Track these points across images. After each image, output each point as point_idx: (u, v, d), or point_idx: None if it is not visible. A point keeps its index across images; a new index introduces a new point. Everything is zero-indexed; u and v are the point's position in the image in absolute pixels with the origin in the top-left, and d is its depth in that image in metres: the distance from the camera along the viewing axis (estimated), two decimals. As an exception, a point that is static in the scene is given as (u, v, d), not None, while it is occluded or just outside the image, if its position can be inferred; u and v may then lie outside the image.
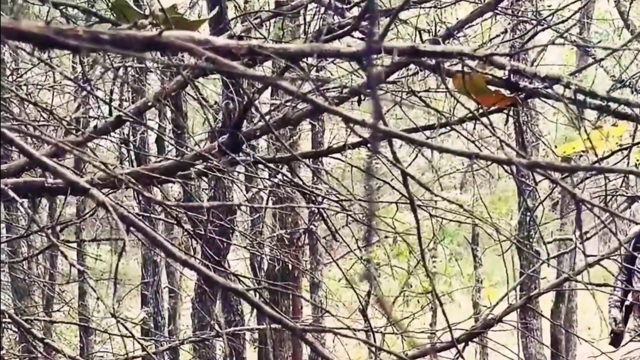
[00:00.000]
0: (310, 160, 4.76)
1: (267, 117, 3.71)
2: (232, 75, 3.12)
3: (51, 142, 2.49)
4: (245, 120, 3.63)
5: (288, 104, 3.48)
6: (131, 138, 7.80)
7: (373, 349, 5.40)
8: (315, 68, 3.88)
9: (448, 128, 3.90)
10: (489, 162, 4.39)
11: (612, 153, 4.37)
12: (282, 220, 10.09)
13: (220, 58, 1.75)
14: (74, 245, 9.48)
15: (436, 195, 3.20)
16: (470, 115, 3.75)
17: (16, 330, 8.88)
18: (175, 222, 4.40)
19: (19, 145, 1.97)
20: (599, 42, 10.15)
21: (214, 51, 1.78)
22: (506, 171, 4.62)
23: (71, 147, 2.03)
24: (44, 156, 2.03)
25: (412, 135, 1.99)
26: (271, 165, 3.68)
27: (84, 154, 2.38)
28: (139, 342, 3.41)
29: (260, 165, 5.22)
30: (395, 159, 2.15)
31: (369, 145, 4.14)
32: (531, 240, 10.44)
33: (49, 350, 9.79)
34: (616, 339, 7.16)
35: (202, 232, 5.00)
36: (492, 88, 3.77)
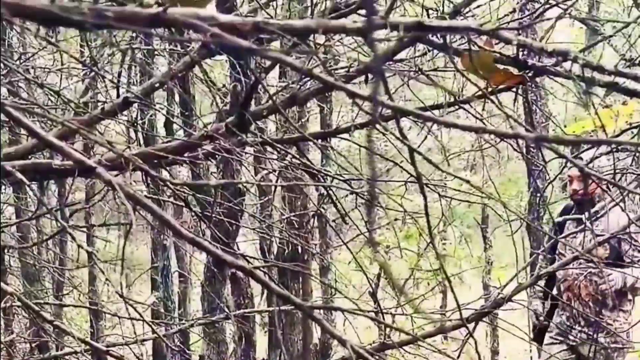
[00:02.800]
0: (319, 141, 4.75)
1: (275, 97, 3.69)
2: (238, 54, 3.11)
3: (58, 120, 2.48)
4: (252, 102, 3.62)
5: (295, 84, 3.47)
6: (139, 121, 7.78)
7: (383, 329, 5.40)
8: (322, 47, 3.86)
9: (456, 107, 3.88)
10: (498, 141, 4.38)
11: (622, 132, 4.35)
12: (291, 203, 10.08)
13: (225, 34, 1.74)
14: (84, 230, 9.49)
15: (444, 172, 3.18)
16: (479, 93, 3.73)
17: (26, 315, 8.90)
18: (183, 205, 4.40)
19: (26, 125, 1.97)
20: (608, 21, 10.09)
21: (218, 28, 1.77)
22: (515, 149, 4.60)
23: (78, 126, 2.02)
24: (50, 135, 2.02)
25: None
26: (279, 146, 3.67)
27: (91, 132, 2.37)
28: (149, 325, 3.41)
29: (268, 149, 5.22)
30: (402, 135, 2.14)
31: (377, 125, 4.13)
32: (541, 220, 10.41)
33: (59, 335, 9.82)
34: (539, 335, 6.87)
35: (211, 214, 5.00)
36: (500, 66, 3.76)
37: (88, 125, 2.83)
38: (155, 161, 3.37)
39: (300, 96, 3.21)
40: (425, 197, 2.08)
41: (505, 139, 3.97)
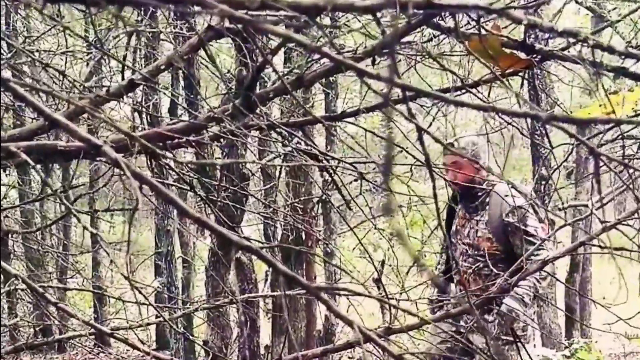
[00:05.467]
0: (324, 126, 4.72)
1: (279, 81, 3.67)
2: (244, 35, 3.09)
3: (64, 98, 2.47)
4: (257, 85, 3.60)
5: (301, 67, 3.45)
6: (144, 105, 7.77)
7: (388, 314, 5.39)
8: (329, 30, 3.84)
9: (463, 91, 3.86)
10: (504, 125, 4.36)
11: (630, 118, 4.33)
12: (295, 190, 10.06)
13: (232, 10, 1.72)
14: (88, 214, 9.48)
15: (453, 153, 3.17)
16: (486, 78, 3.72)
17: (30, 300, 8.91)
18: (189, 188, 4.39)
19: (32, 103, 1.96)
20: (614, 9, 10.06)
21: (226, 4, 1.75)
22: (522, 133, 4.57)
23: (84, 105, 2.01)
24: (56, 114, 2.01)
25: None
26: (286, 129, 3.65)
27: (96, 111, 2.35)
28: (154, 308, 3.40)
29: (273, 134, 5.20)
30: (411, 115, 2.11)
31: (383, 108, 4.11)
32: (546, 207, 10.38)
33: (62, 318, 9.81)
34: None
35: (216, 199, 4.98)
36: (508, 51, 3.74)
37: (94, 106, 2.82)
38: (161, 144, 3.35)
39: (307, 78, 3.19)
40: (433, 179, 2.06)
41: (512, 124, 3.95)
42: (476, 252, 6.09)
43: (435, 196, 2.15)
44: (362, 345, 1.91)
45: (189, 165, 5.15)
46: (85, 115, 3.82)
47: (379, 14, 1.94)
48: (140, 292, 3.26)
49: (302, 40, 1.73)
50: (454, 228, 6.33)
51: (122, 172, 1.96)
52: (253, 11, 1.80)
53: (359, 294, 2.24)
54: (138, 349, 3.28)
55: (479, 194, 6.02)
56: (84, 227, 2.70)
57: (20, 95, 1.94)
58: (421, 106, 4.68)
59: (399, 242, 1.47)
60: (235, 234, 4.47)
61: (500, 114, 4.51)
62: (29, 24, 8.16)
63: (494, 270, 5.57)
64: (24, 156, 2.57)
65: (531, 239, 5.85)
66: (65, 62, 5.05)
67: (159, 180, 4.69)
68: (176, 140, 3.20)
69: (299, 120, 3.84)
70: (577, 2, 7.06)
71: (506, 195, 5.92)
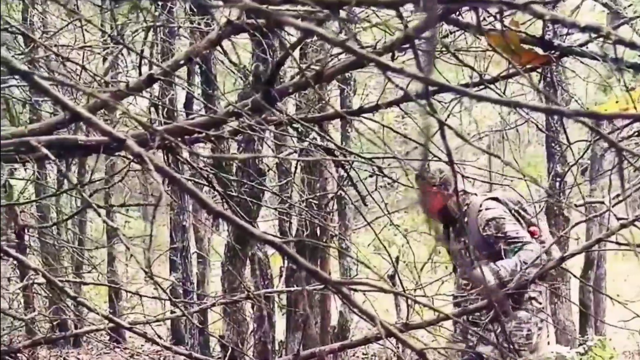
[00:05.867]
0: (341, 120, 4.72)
1: (298, 76, 3.67)
2: (263, 29, 3.09)
3: (86, 91, 2.47)
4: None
5: (319, 62, 3.45)
6: (160, 100, 7.79)
7: (404, 309, 5.38)
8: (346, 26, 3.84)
9: (482, 87, 3.85)
10: (520, 123, 4.35)
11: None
12: (310, 186, 10.06)
13: (255, 4, 1.73)
14: (106, 209, 9.50)
15: (475, 147, 3.16)
16: (505, 73, 3.72)
17: (46, 294, 8.93)
18: (206, 183, 4.40)
19: (54, 96, 1.96)
20: (630, 5, 10.03)
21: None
22: (540, 129, 4.57)
23: (107, 99, 2.01)
24: (79, 107, 2.01)
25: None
26: (307, 124, 3.64)
27: (118, 104, 2.36)
28: (173, 303, 3.41)
29: (289, 130, 5.20)
30: (432, 109, 2.11)
31: (401, 104, 4.11)
32: (561, 203, 10.36)
33: (78, 312, 9.83)
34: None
35: (233, 194, 4.99)
36: (526, 46, 3.74)
37: (117, 99, 2.82)
38: (179, 139, 3.35)
39: (326, 73, 3.19)
40: (455, 175, 2.06)
41: (531, 119, 3.95)
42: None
43: (456, 192, 2.15)
44: (384, 340, 1.92)
45: (206, 160, 5.16)
46: (101, 110, 3.84)
47: (401, 9, 1.94)
48: (160, 287, 3.27)
49: (326, 34, 1.73)
50: (452, 254, 6.38)
51: (142, 167, 1.96)
52: (274, 5, 1.80)
53: (382, 289, 2.24)
54: (157, 344, 3.29)
55: (457, 217, 6.03)
56: (104, 222, 2.71)
57: (43, 89, 1.95)
58: (439, 102, 4.68)
59: (431, 231, 1.47)
60: (257, 229, 4.47)
61: (520, 110, 4.50)
62: (46, 19, 8.18)
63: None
64: (44, 150, 2.58)
65: (514, 240, 5.87)
66: (83, 57, 5.06)
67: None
68: (195, 135, 3.21)
69: (318, 115, 3.85)
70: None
71: (479, 211, 5.95)
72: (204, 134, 3.15)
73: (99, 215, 2.77)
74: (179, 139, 3.36)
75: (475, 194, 6.01)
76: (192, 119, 3.62)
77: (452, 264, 6.50)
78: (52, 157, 2.62)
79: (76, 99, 4.59)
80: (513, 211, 6.07)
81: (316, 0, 1.82)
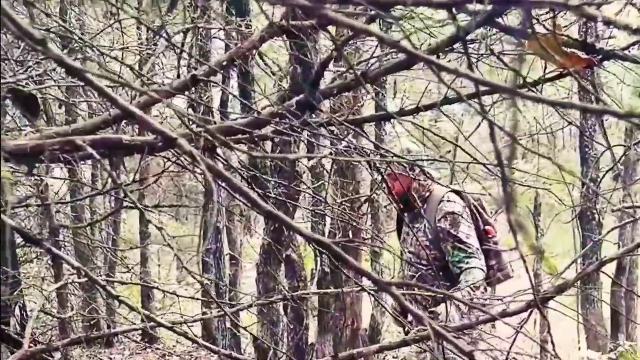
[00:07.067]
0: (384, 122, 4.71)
1: (339, 78, 3.67)
2: (309, 30, 3.10)
3: (140, 90, 2.49)
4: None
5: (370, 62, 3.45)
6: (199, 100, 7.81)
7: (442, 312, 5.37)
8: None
9: (526, 90, 3.84)
10: (558, 128, 4.33)
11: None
12: (343, 188, 10.08)
13: (310, 4, 1.73)
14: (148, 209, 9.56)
15: (527, 149, 3.15)
16: (549, 76, 3.70)
17: (80, 294, 8.99)
18: (247, 185, 4.41)
19: (108, 94, 1.97)
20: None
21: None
22: (583, 133, 4.55)
23: (159, 98, 2.02)
24: (131, 105, 2.02)
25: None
26: (350, 126, 3.64)
27: (168, 102, 2.37)
28: (217, 303, 3.41)
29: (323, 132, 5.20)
30: (483, 110, 2.11)
31: (439, 105, 4.10)
32: (594, 210, 10.33)
33: (112, 313, 9.88)
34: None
35: (270, 195, 5.00)
36: (568, 50, 3.72)
37: (160, 101, 2.83)
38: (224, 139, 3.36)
39: (371, 75, 3.19)
40: (505, 179, 2.04)
41: (573, 123, 3.93)
42: (418, 260, 6.06)
43: (505, 193, 2.13)
44: (432, 341, 1.92)
45: (242, 160, 5.17)
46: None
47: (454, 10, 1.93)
48: (202, 286, 3.28)
49: (381, 34, 1.73)
50: (402, 237, 6.34)
51: (194, 166, 1.97)
52: (326, 5, 1.80)
53: (430, 290, 2.24)
54: (198, 343, 3.30)
55: (415, 203, 5.97)
56: (148, 221, 2.72)
57: (96, 87, 1.96)
58: (479, 104, 4.66)
59: (520, 232, 1.46)
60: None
61: (561, 112, 4.48)
62: (83, 21, 8.23)
63: (434, 279, 5.57)
64: (90, 149, 2.59)
65: (461, 245, 5.83)
66: (122, 56, 5.10)
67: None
68: (239, 136, 3.22)
69: (357, 118, 3.84)
70: (631, 4, 7.00)
71: (441, 201, 5.92)
72: (247, 135, 3.16)
73: (143, 215, 2.78)
74: (224, 139, 3.37)
75: (439, 184, 5.98)
76: (235, 119, 3.64)
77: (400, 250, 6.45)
78: (98, 157, 2.63)
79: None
80: (472, 206, 6.05)
81: (370, 0, 1.82)
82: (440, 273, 5.74)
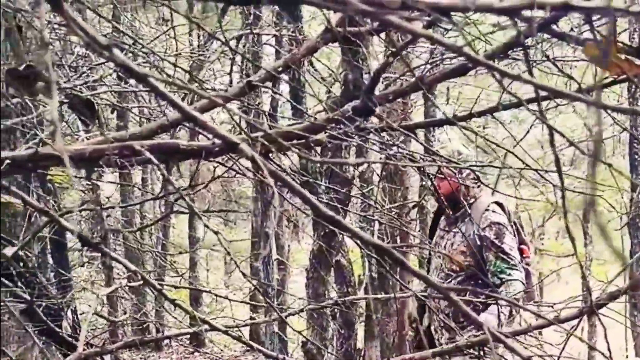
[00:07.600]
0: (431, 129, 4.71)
1: (395, 83, 3.68)
2: (366, 35, 3.11)
3: (204, 95, 2.51)
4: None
5: (410, 72, 3.46)
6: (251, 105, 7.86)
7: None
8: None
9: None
10: (609, 135, 4.31)
11: None
12: (391, 194, 10.08)
13: (373, 9, 1.74)
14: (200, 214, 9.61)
15: (581, 150, 3.14)
16: (606, 82, 3.68)
17: (131, 298, 9.06)
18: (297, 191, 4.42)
19: (169, 98, 1.99)
20: None
21: (365, 3, 1.77)
22: (636, 138, 4.52)
23: (221, 103, 2.05)
24: (193, 110, 2.04)
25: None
26: (406, 132, 3.64)
27: (228, 109, 2.40)
28: (273, 308, 3.43)
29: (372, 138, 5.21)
30: (543, 116, 2.11)
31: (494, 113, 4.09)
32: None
33: (160, 318, 9.94)
34: (419, 340, 6.30)
35: (323, 200, 5.01)
36: (622, 56, 3.70)
37: (221, 105, 2.85)
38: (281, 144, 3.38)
39: (427, 80, 3.20)
40: (562, 182, 2.04)
41: (627, 130, 3.91)
42: (449, 267, 6.00)
43: (563, 198, 2.14)
44: (490, 346, 1.92)
45: (293, 165, 5.19)
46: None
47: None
48: (258, 291, 3.30)
49: (442, 40, 1.74)
50: (434, 240, 6.28)
51: (256, 171, 1.99)
52: (392, 11, 1.81)
53: (490, 296, 2.24)
54: (252, 347, 3.32)
55: (460, 206, 5.94)
56: (206, 226, 2.74)
57: (159, 92, 1.98)
58: (539, 110, 4.65)
59: (602, 236, 1.46)
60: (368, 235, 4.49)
61: (614, 119, 4.45)
62: (135, 27, 8.31)
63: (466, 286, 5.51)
64: (148, 154, 2.63)
65: (505, 257, 5.78)
66: (176, 61, 5.14)
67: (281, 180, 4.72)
68: (294, 141, 3.23)
69: (411, 124, 3.85)
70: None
71: (487, 210, 5.87)
72: (302, 140, 3.17)
73: (200, 219, 2.81)
74: (286, 144, 3.40)
75: (490, 187, 5.93)
76: (292, 124, 3.66)
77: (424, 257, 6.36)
78: (156, 162, 2.66)
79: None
80: (512, 222, 6.02)
81: (432, 6, 1.83)
82: (470, 281, 5.72)
